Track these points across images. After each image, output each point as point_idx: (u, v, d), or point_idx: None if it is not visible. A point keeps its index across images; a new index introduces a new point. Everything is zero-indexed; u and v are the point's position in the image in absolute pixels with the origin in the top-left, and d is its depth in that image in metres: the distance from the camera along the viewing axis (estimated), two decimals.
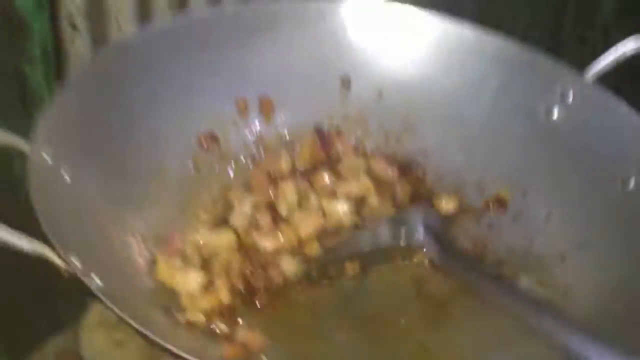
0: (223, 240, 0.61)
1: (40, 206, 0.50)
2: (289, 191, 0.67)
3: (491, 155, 0.72)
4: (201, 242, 0.61)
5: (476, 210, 0.69)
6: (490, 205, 0.69)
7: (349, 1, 0.78)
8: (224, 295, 0.56)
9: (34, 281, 0.82)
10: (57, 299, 0.85)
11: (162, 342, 0.45)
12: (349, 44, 0.77)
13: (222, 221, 0.65)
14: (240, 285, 0.57)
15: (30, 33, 0.69)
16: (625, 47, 0.71)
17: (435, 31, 0.76)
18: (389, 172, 0.70)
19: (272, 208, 0.66)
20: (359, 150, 0.74)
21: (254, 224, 0.64)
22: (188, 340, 0.54)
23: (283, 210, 0.66)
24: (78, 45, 0.75)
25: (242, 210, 0.65)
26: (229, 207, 0.66)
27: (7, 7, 0.66)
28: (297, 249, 0.63)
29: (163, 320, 0.54)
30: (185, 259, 0.59)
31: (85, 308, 0.77)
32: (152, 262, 0.59)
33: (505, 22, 0.73)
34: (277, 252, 0.62)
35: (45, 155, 0.56)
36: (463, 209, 0.69)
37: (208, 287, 0.57)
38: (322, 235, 0.65)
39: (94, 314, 0.75)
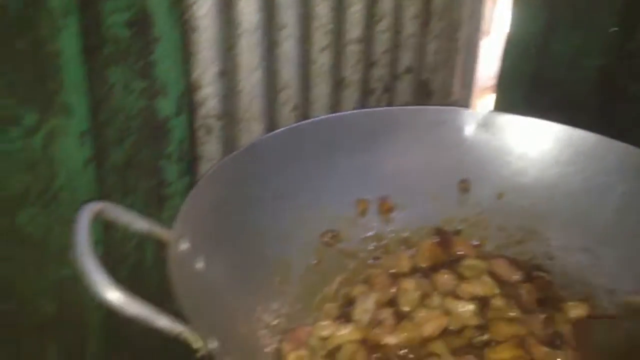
0: (347, 334, 0.62)
1: (179, 290, 0.52)
2: (410, 289, 0.67)
3: (620, 259, 0.69)
4: (325, 335, 0.62)
5: (610, 316, 0.67)
6: (625, 311, 0.66)
7: (468, 109, 0.80)
8: None
9: None
10: None
11: None
12: (467, 149, 0.78)
13: (343, 315, 0.65)
14: None
15: (170, 135, 0.74)
16: None
17: (558, 137, 0.76)
18: (512, 275, 0.69)
19: (393, 305, 0.66)
20: (479, 251, 0.74)
21: (376, 320, 0.64)
22: None
23: (405, 307, 0.66)
24: (210, 146, 0.80)
25: (365, 307, 0.65)
26: (350, 301, 0.67)
27: (151, 112, 0.71)
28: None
29: None
30: (311, 351, 0.60)
31: None
32: (278, 351, 0.60)
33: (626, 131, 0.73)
34: (399, 347, 0.62)
35: (182, 244, 0.59)
36: (594, 315, 0.66)
37: None
38: (444, 333, 0.64)
39: None
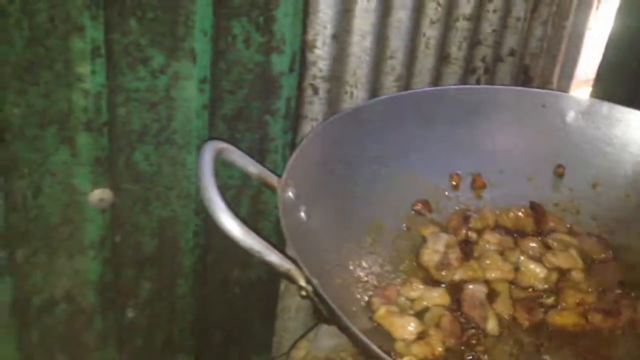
0: (436, 297, 0.64)
1: (288, 231, 0.55)
2: (492, 240, 0.69)
3: None
4: (414, 296, 0.64)
5: None
6: None
7: (570, 94, 0.80)
8: (437, 347, 0.58)
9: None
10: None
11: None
12: (566, 134, 0.79)
13: (431, 278, 0.68)
14: (452, 340, 0.59)
15: (280, 91, 0.77)
16: None
17: None
18: (600, 253, 0.70)
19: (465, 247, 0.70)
20: (570, 229, 0.75)
21: (445, 261, 0.68)
22: None
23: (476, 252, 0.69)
24: (314, 107, 0.82)
25: (435, 248, 0.68)
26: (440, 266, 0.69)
27: (266, 67, 0.74)
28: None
29: None
30: (400, 308, 0.62)
31: None
32: (368, 305, 0.63)
33: None
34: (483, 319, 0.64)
35: (288, 192, 0.62)
36: None
37: (422, 336, 0.59)
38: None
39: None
